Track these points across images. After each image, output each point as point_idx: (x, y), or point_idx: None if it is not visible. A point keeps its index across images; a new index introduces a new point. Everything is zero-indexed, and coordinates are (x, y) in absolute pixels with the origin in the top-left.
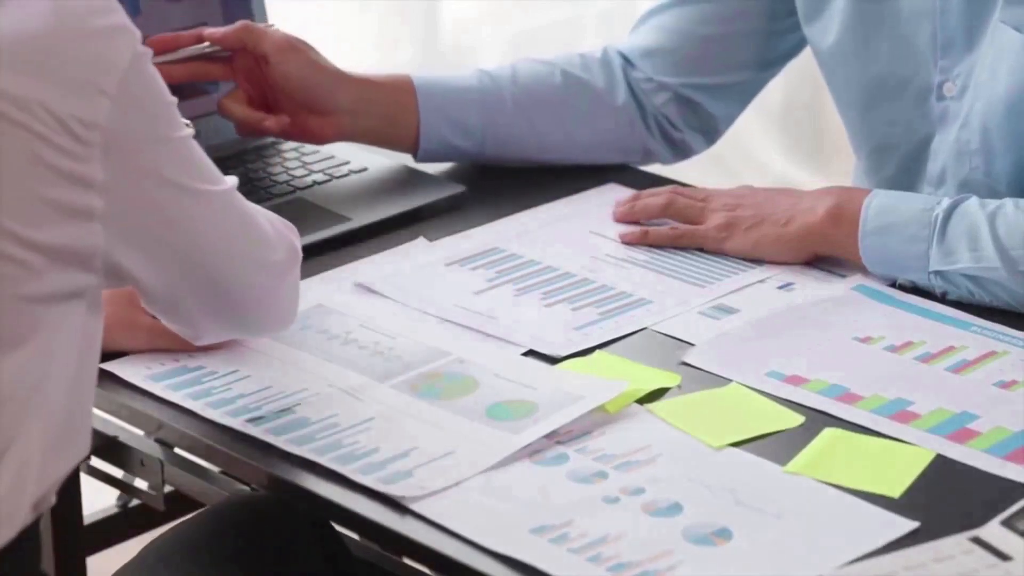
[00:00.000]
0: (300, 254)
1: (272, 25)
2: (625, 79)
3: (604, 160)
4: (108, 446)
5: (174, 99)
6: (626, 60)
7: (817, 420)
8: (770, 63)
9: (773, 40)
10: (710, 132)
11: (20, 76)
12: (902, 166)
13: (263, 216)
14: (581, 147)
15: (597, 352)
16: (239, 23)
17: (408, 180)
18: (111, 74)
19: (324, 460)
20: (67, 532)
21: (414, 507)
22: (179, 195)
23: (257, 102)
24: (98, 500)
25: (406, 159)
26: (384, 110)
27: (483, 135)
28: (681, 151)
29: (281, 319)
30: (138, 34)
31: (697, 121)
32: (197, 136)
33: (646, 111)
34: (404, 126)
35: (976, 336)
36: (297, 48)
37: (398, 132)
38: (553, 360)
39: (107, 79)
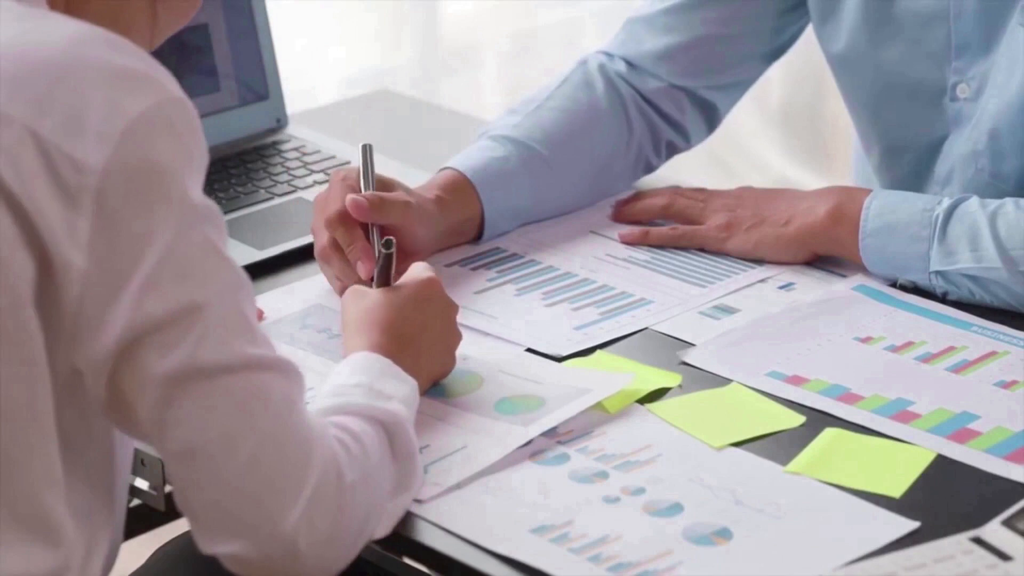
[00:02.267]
0: (347, 479)
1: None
2: (636, 106)
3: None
4: None
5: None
6: (634, 69)
7: (817, 420)
8: (777, 53)
9: (781, 30)
10: (709, 131)
11: (16, 101)
12: (914, 166)
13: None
14: (597, 196)
15: (598, 352)
16: (376, 198)
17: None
18: (117, 120)
19: None
20: None
21: (414, 507)
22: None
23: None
24: None
25: (406, 158)
26: (454, 225)
27: (526, 213)
28: (672, 154)
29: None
30: (168, 90)
31: (705, 123)
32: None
33: (658, 134)
34: (468, 232)
35: (976, 336)
36: (413, 209)
37: (462, 237)
38: (554, 360)
39: (112, 124)
